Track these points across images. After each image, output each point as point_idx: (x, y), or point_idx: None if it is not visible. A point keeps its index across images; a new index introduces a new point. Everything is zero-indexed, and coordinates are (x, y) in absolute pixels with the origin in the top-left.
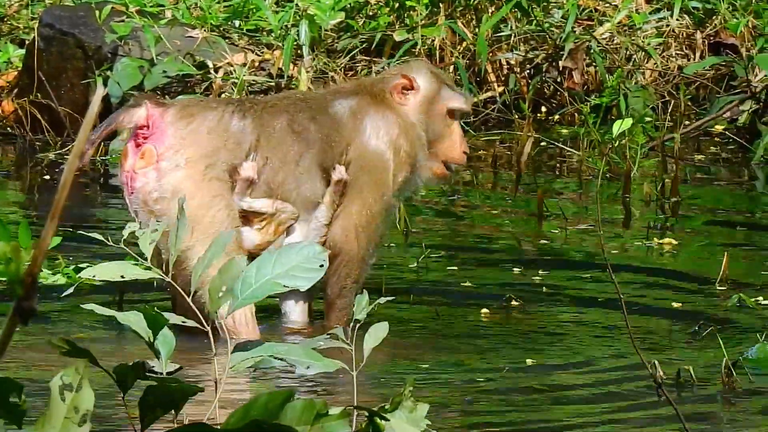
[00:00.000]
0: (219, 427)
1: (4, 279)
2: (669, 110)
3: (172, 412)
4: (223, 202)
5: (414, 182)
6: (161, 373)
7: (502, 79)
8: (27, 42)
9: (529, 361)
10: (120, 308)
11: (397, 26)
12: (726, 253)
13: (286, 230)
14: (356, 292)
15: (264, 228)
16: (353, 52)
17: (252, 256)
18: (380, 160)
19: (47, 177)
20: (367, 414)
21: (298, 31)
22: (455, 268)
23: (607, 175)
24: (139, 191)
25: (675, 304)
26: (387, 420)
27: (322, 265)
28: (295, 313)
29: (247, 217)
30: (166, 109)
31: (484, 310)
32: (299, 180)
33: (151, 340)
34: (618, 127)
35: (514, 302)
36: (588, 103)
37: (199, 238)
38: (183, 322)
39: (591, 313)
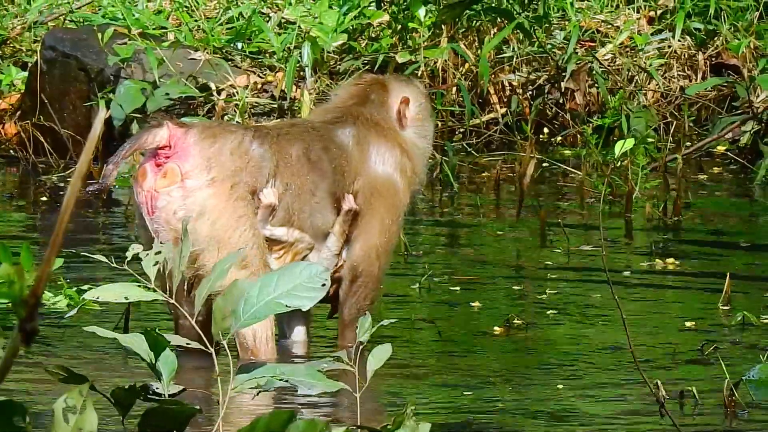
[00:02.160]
0: None
1: (6, 301)
2: (671, 131)
3: None
4: (248, 222)
5: (416, 193)
6: (164, 395)
7: (505, 100)
8: (30, 64)
9: (531, 380)
10: (126, 329)
11: (399, 48)
12: (728, 273)
13: (302, 260)
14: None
15: (282, 257)
16: (356, 74)
17: None
18: (391, 183)
19: (50, 199)
20: None
21: (300, 53)
22: (457, 289)
23: (609, 197)
24: (163, 210)
25: (678, 324)
26: None
27: (323, 285)
28: (298, 333)
29: (267, 245)
30: (188, 130)
31: (497, 328)
32: (313, 209)
33: (153, 362)
34: (620, 147)
35: (516, 321)
36: (590, 125)
37: None
38: (187, 344)
39: (594, 333)
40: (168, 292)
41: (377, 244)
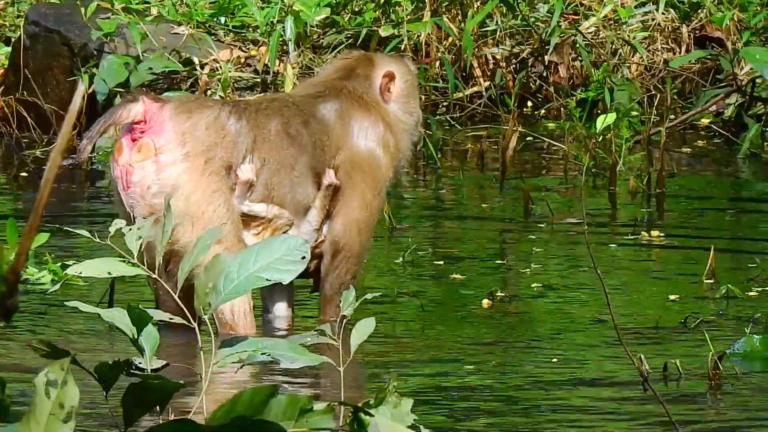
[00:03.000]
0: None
1: None
2: (655, 104)
3: (157, 408)
4: (222, 198)
5: (401, 169)
6: (146, 370)
7: (488, 74)
8: (13, 40)
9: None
10: (111, 304)
11: (382, 22)
12: (713, 246)
13: (282, 235)
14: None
15: (260, 233)
16: (339, 48)
17: None
18: (372, 158)
19: (34, 174)
20: (351, 409)
21: (283, 27)
22: (441, 262)
23: (593, 170)
24: (137, 185)
25: (662, 297)
26: (371, 415)
27: (303, 257)
28: (280, 308)
29: (245, 221)
30: (163, 104)
31: (486, 302)
32: (293, 184)
33: (135, 337)
34: (602, 122)
35: (500, 295)
36: (574, 98)
37: (200, 234)
38: (170, 318)
39: (578, 306)
40: (150, 268)
41: (358, 219)
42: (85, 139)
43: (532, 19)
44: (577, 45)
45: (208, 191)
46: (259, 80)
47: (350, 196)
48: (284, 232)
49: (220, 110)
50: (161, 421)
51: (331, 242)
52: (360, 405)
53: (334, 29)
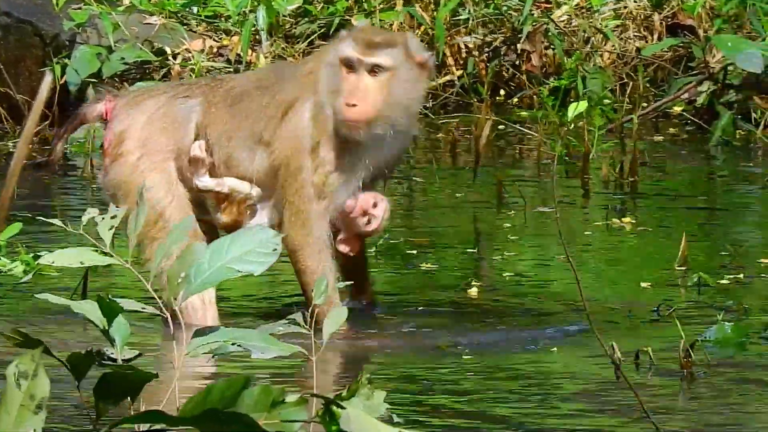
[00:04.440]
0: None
1: None
2: (627, 92)
3: (129, 399)
4: (161, 192)
5: (362, 152)
6: (118, 360)
7: (461, 62)
8: None
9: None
10: (84, 295)
11: (355, 11)
12: (684, 234)
13: (251, 210)
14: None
15: (226, 210)
16: (311, 38)
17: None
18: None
19: (6, 165)
20: (323, 401)
21: (255, 16)
22: (414, 252)
23: (566, 158)
24: (102, 182)
25: (634, 285)
26: (343, 408)
27: (275, 249)
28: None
29: (213, 201)
30: (118, 101)
31: (472, 290)
32: (252, 155)
33: (106, 328)
34: (574, 109)
35: (474, 284)
36: (546, 86)
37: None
38: (142, 308)
39: (550, 294)
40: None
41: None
42: (56, 139)
43: (505, 8)
44: (550, 33)
45: (146, 186)
46: (231, 70)
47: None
48: (251, 205)
49: (167, 97)
50: (132, 413)
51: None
52: (332, 397)
53: (306, 19)
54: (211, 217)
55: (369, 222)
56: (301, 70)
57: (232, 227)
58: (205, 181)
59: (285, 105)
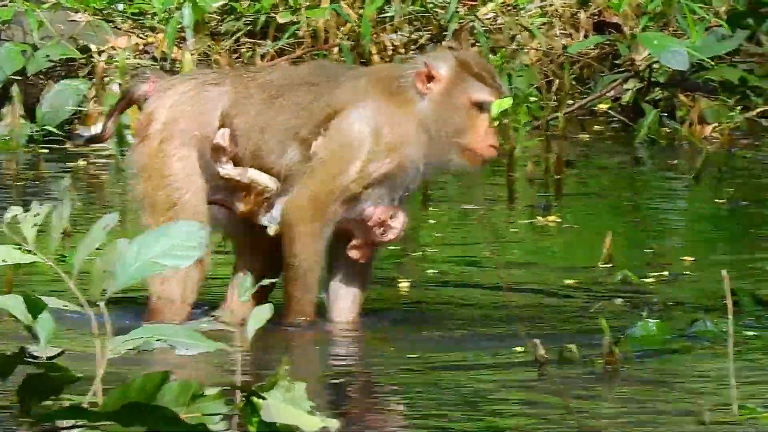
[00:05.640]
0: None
1: None
2: (553, 89)
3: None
4: (181, 177)
5: (411, 173)
6: (41, 358)
7: (387, 60)
8: None
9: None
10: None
11: (281, 8)
12: (609, 231)
13: (267, 203)
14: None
15: (244, 200)
16: (237, 35)
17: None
18: (352, 143)
19: None
20: (244, 394)
21: (181, 14)
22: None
23: None
24: (127, 161)
25: (559, 282)
26: (263, 398)
27: (201, 244)
28: (345, 304)
29: (233, 189)
30: (158, 83)
31: (403, 284)
32: (280, 149)
33: (30, 324)
34: (498, 107)
35: (400, 281)
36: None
37: (166, 217)
38: (65, 305)
39: (475, 292)
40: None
41: (309, 199)
42: (108, 117)
43: (431, 5)
44: (476, 31)
45: (165, 173)
46: (157, 67)
47: (311, 172)
48: (268, 197)
49: (197, 82)
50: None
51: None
52: (252, 389)
53: (232, 16)
54: (231, 203)
55: (385, 233)
56: (358, 78)
57: (248, 216)
58: (227, 169)
59: (333, 108)
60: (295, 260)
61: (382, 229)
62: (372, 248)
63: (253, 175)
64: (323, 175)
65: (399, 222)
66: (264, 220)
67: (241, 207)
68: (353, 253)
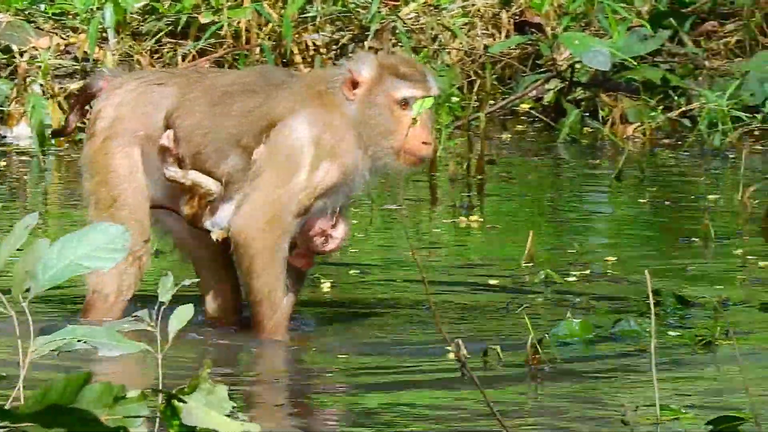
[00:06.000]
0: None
1: None
2: (475, 89)
3: None
4: (122, 174)
5: (354, 179)
6: None
7: (309, 60)
8: None
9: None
10: None
11: (202, 8)
12: (531, 231)
13: (211, 207)
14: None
15: (188, 203)
16: (159, 35)
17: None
18: (294, 154)
19: None
20: (165, 396)
21: (103, 14)
22: None
23: None
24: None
25: (482, 282)
26: (184, 402)
27: (124, 246)
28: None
29: (178, 191)
30: (111, 81)
31: (325, 285)
32: (220, 153)
33: None
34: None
35: (323, 281)
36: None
37: (111, 214)
38: None
39: (398, 291)
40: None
41: (262, 212)
42: (70, 111)
43: (353, 5)
44: (398, 31)
45: (109, 170)
46: (78, 67)
47: (257, 185)
48: (211, 201)
49: (144, 81)
50: None
51: (232, 233)
52: (173, 392)
53: (153, 16)
54: (178, 207)
55: (326, 242)
56: (298, 83)
57: (192, 220)
58: (171, 171)
59: (272, 116)
60: (257, 281)
61: (323, 238)
62: (313, 256)
63: (196, 177)
64: (270, 187)
65: (340, 232)
66: (207, 224)
67: (185, 210)
68: (297, 262)
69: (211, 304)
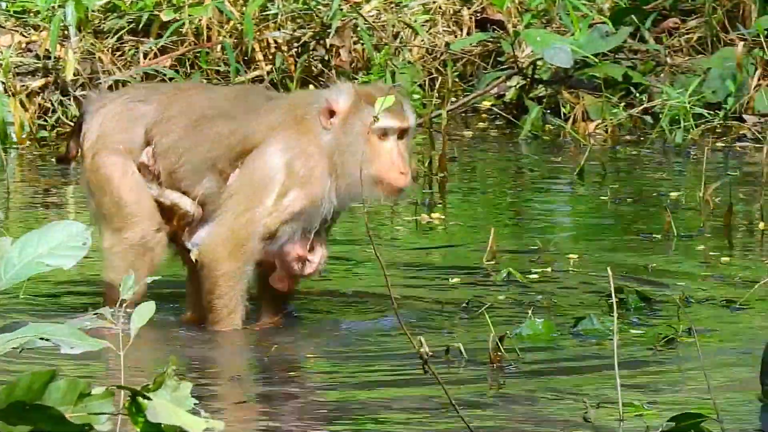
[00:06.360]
0: None
1: None
2: (436, 87)
3: None
4: (116, 179)
5: (322, 206)
6: None
7: (270, 57)
8: None
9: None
10: None
11: (164, 6)
12: (493, 228)
13: (190, 228)
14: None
15: (168, 221)
16: (120, 33)
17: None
18: (264, 179)
19: None
20: (129, 393)
21: (64, 12)
22: None
23: None
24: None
25: (444, 279)
26: (149, 399)
27: (85, 243)
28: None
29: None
30: (94, 103)
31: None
32: (198, 175)
33: None
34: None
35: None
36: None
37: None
38: None
39: (360, 289)
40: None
41: (226, 236)
42: (69, 136)
43: (314, 3)
44: (359, 28)
45: (99, 185)
46: (40, 65)
47: (228, 207)
48: (189, 222)
49: (124, 99)
50: None
51: (200, 253)
52: (138, 389)
53: (115, 14)
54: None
55: (304, 267)
56: (276, 108)
57: (174, 238)
58: (152, 189)
59: (249, 142)
60: (219, 302)
61: (301, 263)
62: (294, 279)
63: (174, 198)
64: (238, 211)
65: (317, 256)
66: (187, 244)
67: (167, 228)
68: (277, 285)
69: (191, 304)
